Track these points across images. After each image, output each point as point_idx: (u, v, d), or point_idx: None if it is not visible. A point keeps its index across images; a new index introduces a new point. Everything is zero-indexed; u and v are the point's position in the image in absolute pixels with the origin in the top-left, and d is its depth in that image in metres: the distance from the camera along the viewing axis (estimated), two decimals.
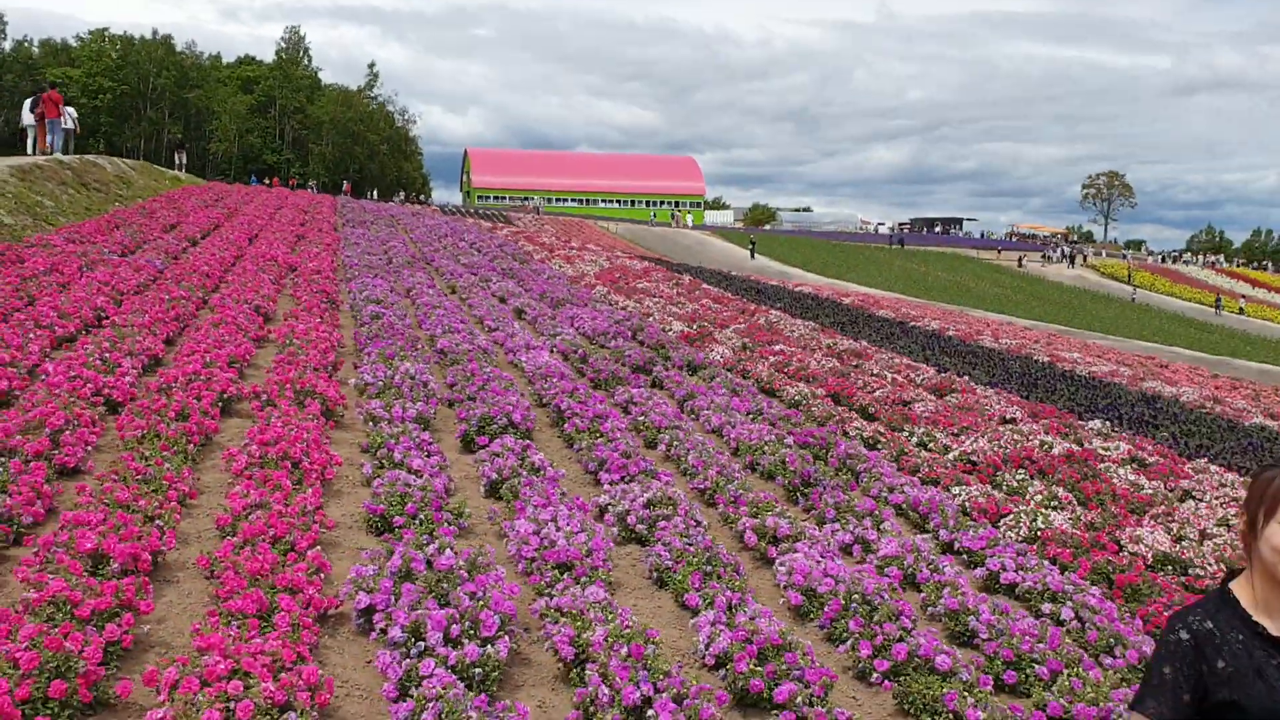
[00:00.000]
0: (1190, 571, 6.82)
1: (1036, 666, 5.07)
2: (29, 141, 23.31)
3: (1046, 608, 5.83)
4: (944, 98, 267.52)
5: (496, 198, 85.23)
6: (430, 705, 3.89)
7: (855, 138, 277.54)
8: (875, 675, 4.94)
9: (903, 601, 5.45)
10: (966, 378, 13.43)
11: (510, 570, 5.62)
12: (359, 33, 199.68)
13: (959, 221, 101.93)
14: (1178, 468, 9.69)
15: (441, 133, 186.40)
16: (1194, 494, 8.87)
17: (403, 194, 74.81)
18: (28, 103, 23.42)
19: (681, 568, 5.70)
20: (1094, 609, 5.76)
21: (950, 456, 9.12)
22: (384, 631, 4.62)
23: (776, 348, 13.84)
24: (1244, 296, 57.09)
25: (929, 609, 5.77)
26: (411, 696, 3.99)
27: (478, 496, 6.94)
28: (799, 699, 4.40)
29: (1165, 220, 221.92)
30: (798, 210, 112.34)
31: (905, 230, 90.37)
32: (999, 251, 72.58)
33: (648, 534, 6.37)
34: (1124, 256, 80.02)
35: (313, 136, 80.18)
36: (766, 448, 8.35)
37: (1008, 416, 11.18)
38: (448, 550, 5.14)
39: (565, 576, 5.38)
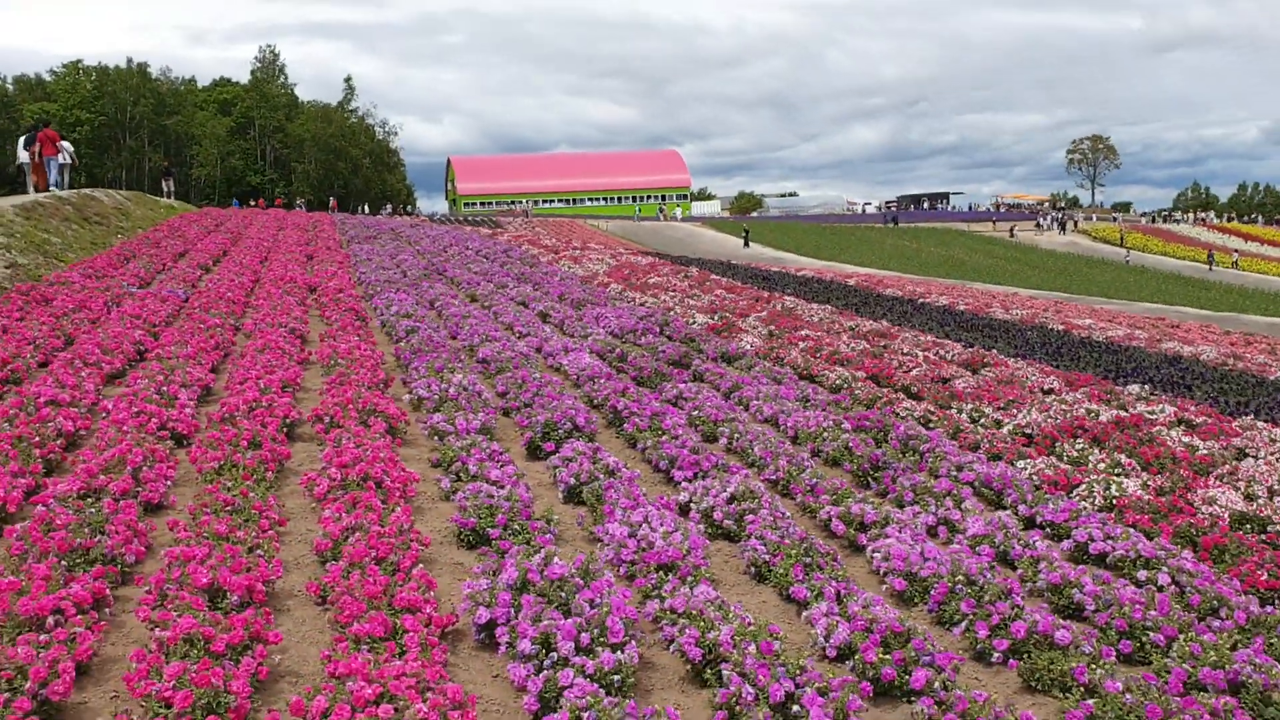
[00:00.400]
0: (1270, 529, 6.85)
1: (1151, 634, 5.08)
2: (28, 178, 23.16)
3: (1142, 575, 5.85)
4: (920, 73, 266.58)
5: (483, 204, 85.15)
6: (584, 715, 3.89)
7: (834, 119, 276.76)
8: (996, 655, 4.95)
9: (1010, 580, 5.47)
10: (995, 351, 13.47)
11: (613, 574, 5.61)
12: (330, 48, 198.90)
13: (945, 196, 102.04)
14: (1226, 427, 9.72)
15: (420, 143, 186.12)
16: (1249, 452, 8.91)
17: (390, 206, 74.55)
18: (22, 140, 23.27)
19: (780, 560, 5.70)
20: (1191, 573, 5.77)
21: (1005, 430, 9.14)
22: (511, 645, 4.61)
23: (802, 333, 13.86)
24: (1237, 251, 57.28)
25: (1027, 585, 5.79)
26: (562, 708, 3.99)
27: (557, 503, 6.93)
28: (936, 684, 4.41)
29: (1150, 180, 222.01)
30: (784, 195, 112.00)
31: (895, 209, 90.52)
32: (994, 223, 72.49)
33: (736, 529, 6.37)
34: (1115, 220, 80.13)
35: (294, 155, 79.73)
36: (826, 434, 8.37)
37: (1046, 387, 11.22)
38: (555, 559, 5.14)
39: (670, 578, 5.38)
